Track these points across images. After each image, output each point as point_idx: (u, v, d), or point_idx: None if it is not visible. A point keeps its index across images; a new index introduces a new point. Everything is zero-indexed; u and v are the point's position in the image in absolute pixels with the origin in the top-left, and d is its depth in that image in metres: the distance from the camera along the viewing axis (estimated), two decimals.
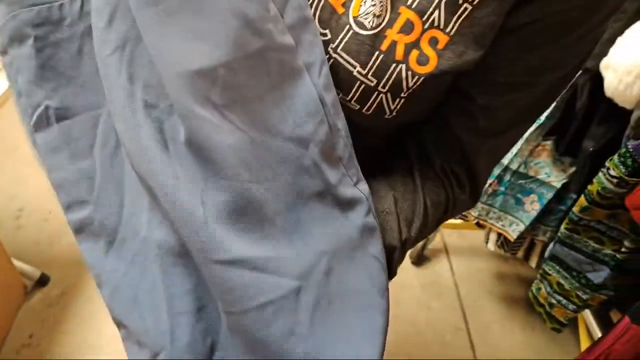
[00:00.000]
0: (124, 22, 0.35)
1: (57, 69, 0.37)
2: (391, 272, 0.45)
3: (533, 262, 1.25)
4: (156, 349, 0.36)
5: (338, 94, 0.42)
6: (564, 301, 1.11)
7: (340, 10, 0.40)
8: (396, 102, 0.42)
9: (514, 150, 1.08)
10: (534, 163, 1.09)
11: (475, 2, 0.37)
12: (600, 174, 0.89)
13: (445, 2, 0.37)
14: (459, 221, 1.38)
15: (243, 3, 0.34)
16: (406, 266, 1.56)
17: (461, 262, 1.59)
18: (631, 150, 0.82)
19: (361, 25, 0.39)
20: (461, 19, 0.38)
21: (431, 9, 0.38)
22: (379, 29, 0.39)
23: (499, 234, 1.25)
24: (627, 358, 0.93)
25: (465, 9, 0.37)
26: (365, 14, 0.39)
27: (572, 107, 0.99)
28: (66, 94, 0.37)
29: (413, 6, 0.38)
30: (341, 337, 0.37)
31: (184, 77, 0.34)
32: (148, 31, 0.34)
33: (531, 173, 1.11)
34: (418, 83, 0.40)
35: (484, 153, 0.49)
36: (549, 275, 1.12)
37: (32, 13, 0.37)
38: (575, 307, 1.10)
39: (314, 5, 0.40)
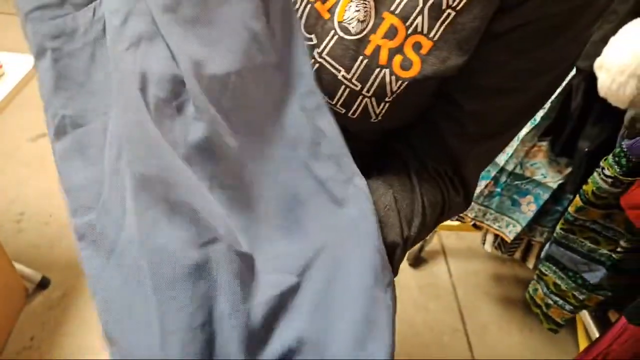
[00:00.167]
0: (140, 23, 0.36)
1: (72, 78, 0.39)
2: (393, 270, 0.45)
3: (530, 263, 1.26)
4: None
5: (324, 98, 0.42)
6: (561, 302, 1.11)
7: (326, 15, 0.41)
8: (381, 107, 0.42)
9: (510, 151, 1.09)
10: (530, 164, 1.10)
11: (458, 8, 0.38)
12: (595, 174, 0.90)
13: (429, 8, 0.38)
14: (456, 223, 1.38)
15: (250, 20, 0.36)
16: (404, 268, 1.56)
17: (458, 264, 1.59)
18: (625, 149, 0.82)
19: (346, 31, 0.40)
20: (445, 24, 0.38)
21: (414, 15, 0.38)
22: (363, 34, 0.40)
23: (496, 235, 1.25)
24: (625, 358, 0.93)
25: (449, 14, 0.38)
26: (350, 19, 0.40)
27: (567, 107, 0.99)
28: (80, 101, 0.38)
29: (397, 12, 0.39)
30: (345, 334, 0.37)
31: (201, 78, 0.35)
32: (170, 32, 0.36)
33: (527, 174, 1.11)
34: (402, 87, 0.40)
35: (474, 157, 0.49)
36: (546, 275, 1.12)
37: (50, 27, 0.39)
38: (572, 307, 1.10)
39: (299, 11, 0.41)
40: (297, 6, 0.41)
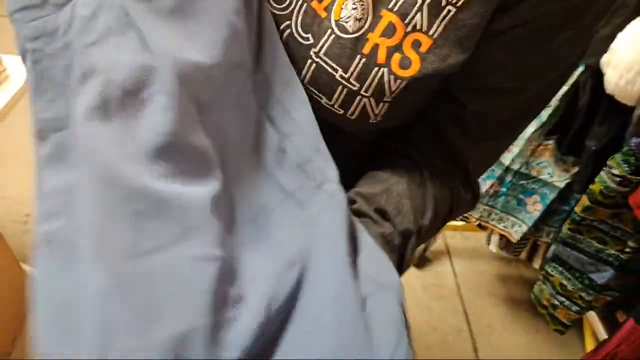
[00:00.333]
0: (110, 16, 0.35)
1: (53, 79, 0.37)
2: (405, 260, 0.44)
3: (536, 264, 1.24)
4: None
5: (321, 99, 0.42)
6: (567, 302, 1.10)
7: (323, 14, 0.40)
8: (380, 107, 0.41)
9: (515, 150, 1.08)
10: (536, 163, 1.09)
11: (458, 4, 0.37)
12: (602, 173, 0.88)
13: (428, 5, 0.37)
14: (460, 223, 1.37)
15: (232, 15, 0.35)
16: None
17: (463, 264, 1.57)
18: (634, 148, 0.81)
19: (343, 29, 0.39)
20: (445, 21, 0.37)
21: (413, 12, 0.37)
22: (360, 32, 0.39)
23: (502, 236, 1.24)
24: (633, 358, 0.92)
25: (449, 11, 0.37)
26: (347, 18, 0.39)
27: (574, 105, 0.98)
28: (61, 103, 0.36)
29: (395, 9, 0.38)
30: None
31: (182, 66, 0.34)
32: (145, 21, 0.34)
33: (533, 173, 1.10)
34: (401, 87, 0.39)
35: (478, 156, 0.48)
36: (552, 276, 1.10)
37: (29, 28, 0.37)
38: (578, 308, 1.08)
39: (296, 10, 0.40)
40: (292, 5, 0.41)
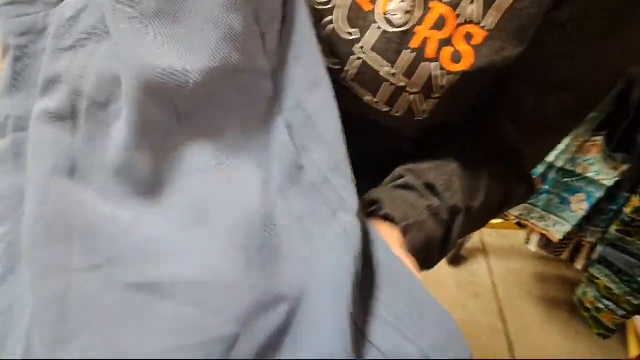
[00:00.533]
0: (93, 15, 0.33)
1: (30, 79, 0.35)
2: (450, 238, 0.42)
3: (579, 264, 1.19)
4: None
5: (365, 96, 0.40)
6: (613, 306, 1.05)
7: (368, 7, 0.38)
8: (427, 103, 0.40)
9: (561, 146, 1.03)
10: (583, 160, 1.04)
11: None
12: None
13: None
14: (498, 220, 1.33)
15: (228, 15, 0.32)
16: (441, 265, 1.52)
17: (500, 263, 1.53)
18: None
19: (390, 23, 0.38)
20: (500, 11, 0.35)
21: (466, 3, 0.35)
22: (408, 25, 0.37)
23: (542, 235, 1.20)
24: None
25: (504, 1, 0.35)
26: (394, 11, 0.37)
27: (625, 99, 0.93)
28: (30, 104, 0.35)
29: (446, 0, 0.36)
30: None
31: (149, 74, 0.31)
32: (118, 27, 0.32)
33: (579, 170, 1.05)
34: (452, 82, 0.38)
35: (531, 152, 0.47)
36: (597, 279, 1.06)
37: (15, 24, 0.36)
38: (625, 312, 1.04)
39: (338, 3, 0.39)
40: (333, 1, 0.39)
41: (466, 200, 0.43)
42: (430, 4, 0.36)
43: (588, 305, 1.13)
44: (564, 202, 1.10)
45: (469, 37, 0.36)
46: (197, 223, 0.31)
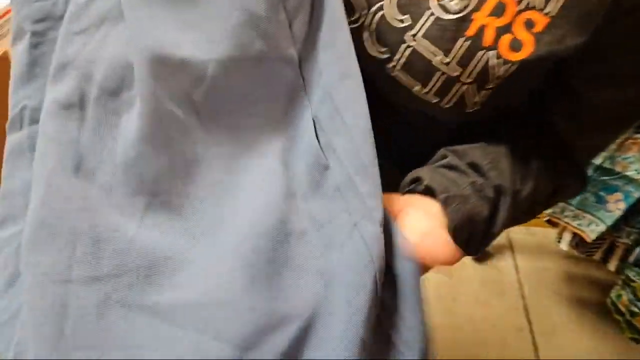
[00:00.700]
0: (107, 1, 0.32)
1: (47, 67, 0.33)
2: (497, 218, 0.39)
3: (612, 266, 1.16)
4: None
5: (413, 87, 0.38)
6: None
7: None
8: (480, 95, 0.38)
9: None
10: (622, 158, 1.00)
11: None
12: None
13: None
14: None
15: (246, 1, 0.30)
16: (466, 261, 1.50)
17: (527, 261, 1.50)
18: None
19: (445, 9, 0.36)
20: None
21: None
22: (465, 12, 0.36)
23: (575, 234, 1.16)
24: None
25: None
26: None
27: None
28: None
29: None
30: None
31: (164, 64, 0.29)
32: (133, 9, 0.30)
33: (618, 169, 1.01)
34: (509, 72, 0.36)
35: (584, 146, 0.45)
36: (633, 282, 1.02)
37: (34, 9, 0.34)
38: None
39: None
40: None
41: (514, 182, 0.40)
42: None
43: (622, 309, 1.09)
44: (600, 200, 1.06)
45: (529, 24, 0.35)
46: (204, 234, 0.29)
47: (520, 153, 0.42)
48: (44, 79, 0.33)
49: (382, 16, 0.37)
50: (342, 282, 0.29)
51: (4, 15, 0.78)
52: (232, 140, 0.31)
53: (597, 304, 1.34)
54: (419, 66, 0.37)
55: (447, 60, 0.36)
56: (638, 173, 0.99)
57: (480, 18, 0.35)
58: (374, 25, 0.38)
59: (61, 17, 0.34)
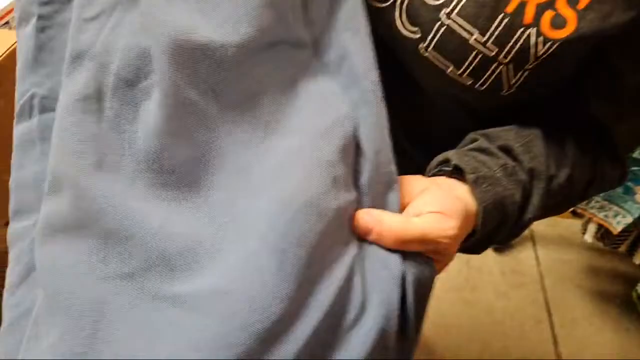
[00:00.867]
0: None
1: (56, 52, 0.32)
2: (529, 204, 0.37)
3: (638, 259, 1.13)
4: None
5: (447, 68, 0.37)
6: None
7: None
8: (518, 75, 0.36)
9: None
10: None
11: None
12: None
13: None
14: None
15: None
16: (486, 252, 1.48)
17: (548, 252, 1.47)
18: None
19: None
20: None
21: None
22: None
23: (600, 225, 1.14)
24: None
25: None
26: None
27: None
28: (56, 81, 0.32)
29: None
30: None
31: (182, 50, 0.28)
32: None
33: None
34: (550, 51, 0.34)
35: (625, 132, 0.42)
36: None
37: None
38: None
39: None
40: None
41: (549, 167, 0.38)
42: None
43: None
44: (628, 192, 1.04)
45: (573, 0, 0.33)
46: (230, 222, 0.28)
47: (556, 138, 0.40)
48: (52, 65, 0.32)
49: None
50: (371, 271, 0.29)
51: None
52: (254, 125, 0.30)
53: (621, 298, 1.32)
54: (453, 46, 0.36)
55: (484, 39, 0.35)
56: None
57: None
58: (405, 3, 0.37)
59: (68, 0, 0.33)
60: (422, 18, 0.36)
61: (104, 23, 0.30)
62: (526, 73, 0.36)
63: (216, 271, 0.26)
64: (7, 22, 0.78)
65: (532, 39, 0.34)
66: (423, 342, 1.22)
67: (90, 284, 0.26)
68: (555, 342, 1.28)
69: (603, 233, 1.16)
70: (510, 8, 0.34)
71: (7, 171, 0.70)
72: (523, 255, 1.47)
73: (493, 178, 0.36)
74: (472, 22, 0.35)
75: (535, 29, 0.34)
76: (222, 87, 0.29)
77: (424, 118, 0.45)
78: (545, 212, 0.40)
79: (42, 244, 0.27)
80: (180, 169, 0.28)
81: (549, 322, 1.32)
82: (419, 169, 0.39)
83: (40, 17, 0.33)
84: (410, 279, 0.30)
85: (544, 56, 0.35)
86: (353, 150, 0.31)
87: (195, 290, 0.26)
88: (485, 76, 0.37)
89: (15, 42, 0.67)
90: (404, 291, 0.29)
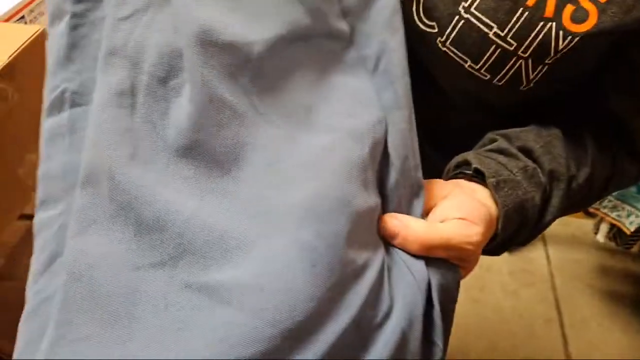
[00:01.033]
0: None
1: (87, 50, 0.33)
2: (549, 206, 0.37)
3: None
4: None
5: (465, 62, 0.37)
6: None
7: None
8: (537, 70, 0.36)
9: None
10: None
11: None
12: None
13: None
14: None
15: None
16: None
17: (559, 251, 1.46)
18: None
19: None
20: None
21: None
22: None
23: (612, 225, 1.12)
24: None
25: None
26: None
27: None
28: (86, 78, 0.33)
29: None
30: None
31: (212, 47, 0.28)
32: None
33: None
34: (570, 45, 0.34)
35: None
36: None
37: None
38: None
39: None
40: None
41: (569, 168, 0.38)
42: None
43: None
44: None
45: None
46: (262, 215, 0.28)
47: (575, 136, 0.40)
48: (83, 62, 0.33)
49: None
50: (397, 276, 0.29)
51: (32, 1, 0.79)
52: (284, 120, 0.31)
53: (632, 298, 1.31)
54: (471, 40, 0.36)
55: (503, 33, 0.35)
56: None
57: None
58: None
59: None
60: (440, 12, 0.36)
61: (137, 22, 0.31)
62: (545, 68, 0.36)
63: (246, 264, 0.27)
64: (22, 17, 0.79)
65: (553, 33, 0.34)
66: None
67: (123, 273, 0.27)
68: (565, 342, 1.27)
69: (615, 233, 1.15)
70: (531, 1, 0.34)
71: (20, 165, 0.71)
72: (533, 255, 1.46)
73: (514, 181, 0.36)
74: (491, 15, 0.35)
75: (555, 22, 0.34)
76: (252, 82, 0.30)
77: (442, 118, 0.45)
78: (565, 212, 0.40)
79: (77, 234, 0.28)
80: (210, 162, 0.29)
81: (558, 322, 1.31)
82: (440, 173, 0.39)
83: (74, 15, 0.33)
84: (435, 284, 0.30)
85: (564, 50, 0.34)
86: (380, 154, 0.31)
87: (225, 281, 0.26)
88: (504, 71, 0.36)
89: (30, 37, 0.68)
90: (429, 297, 0.29)
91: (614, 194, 1.06)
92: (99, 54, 0.31)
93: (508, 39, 0.35)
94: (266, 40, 0.29)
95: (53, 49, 0.34)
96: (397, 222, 0.30)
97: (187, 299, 0.26)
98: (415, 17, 0.37)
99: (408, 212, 0.32)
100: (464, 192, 0.35)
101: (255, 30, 0.29)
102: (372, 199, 0.30)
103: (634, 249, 1.15)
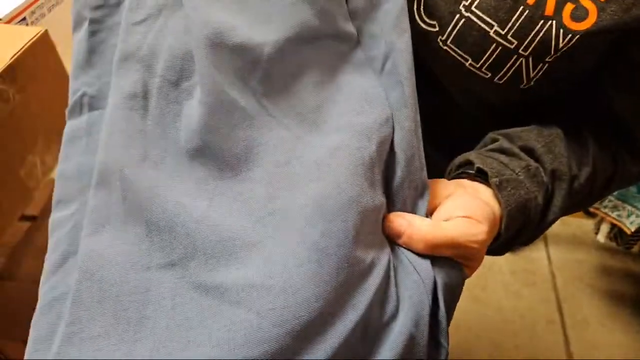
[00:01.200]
0: None
1: (105, 54, 0.34)
2: (551, 205, 0.37)
3: None
4: None
5: (466, 61, 0.37)
6: None
7: None
8: (537, 69, 0.36)
9: None
10: None
11: None
12: None
13: None
14: None
15: None
16: None
17: (560, 251, 1.46)
18: None
19: None
20: None
21: None
22: None
23: (613, 225, 1.12)
24: None
25: None
26: None
27: None
28: (105, 82, 0.34)
29: None
30: None
31: (222, 50, 0.29)
32: None
33: None
34: (571, 43, 0.34)
35: None
36: None
37: None
38: None
39: None
40: None
41: (571, 167, 0.38)
42: None
43: None
44: None
45: None
46: (271, 216, 0.28)
47: (577, 135, 0.40)
48: (102, 67, 0.34)
49: None
50: (403, 275, 0.30)
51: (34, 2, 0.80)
52: (294, 121, 0.31)
53: (633, 298, 1.31)
54: (472, 38, 0.36)
55: (504, 31, 0.35)
56: None
57: None
58: None
59: (117, 4, 0.34)
60: (441, 11, 0.36)
61: (150, 27, 0.32)
62: (546, 66, 0.36)
63: (255, 265, 0.27)
64: (24, 19, 0.79)
65: (553, 31, 0.34)
66: None
67: (134, 273, 0.27)
68: (567, 342, 1.27)
69: (616, 233, 1.15)
70: (531, 0, 0.34)
71: (21, 166, 0.71)
72: (535, 255, 1.46)
73: (516, 181, 0.36)
74: (491, 14, 0.35)
75: (556, 21, 0.34)
76: (261, 84, 0.30)
77: (443, 117, 0.45)
78: (567, 211, 0.40)
79: (90, 234, 0.28)
80: (221, 163, 0.29)
81: (560, 322, 1.31)
82: (440, 172, 0.39)
83: (92, 22, 0.34)
84: (440, 283, 0.30)
85: (564, 49, 0.35)
86: (387, 153, 0.32)
87: (234, 282, 0.26)
88: (504, 69, 0.37)
89: (31, 39, 0.69)
90: (434, 297, 0.29)
91: (614, 193, 1.06)
92: (114, 58, 0.32)
93: (509, 37, 0.35)
94: (275, 42, 0.30)
95: (75, 54, 0.35)
96: (403, 221, 0.31)
97: (196, 300, 0.26)
98: (417, 16, 0.37)
99: (413, 212, 0.32)
100: (468, 191, 0.35)
101: (265, 32, 0.30)
102: (378, 198, 0.30)
103: (635, 249, 1.15)
